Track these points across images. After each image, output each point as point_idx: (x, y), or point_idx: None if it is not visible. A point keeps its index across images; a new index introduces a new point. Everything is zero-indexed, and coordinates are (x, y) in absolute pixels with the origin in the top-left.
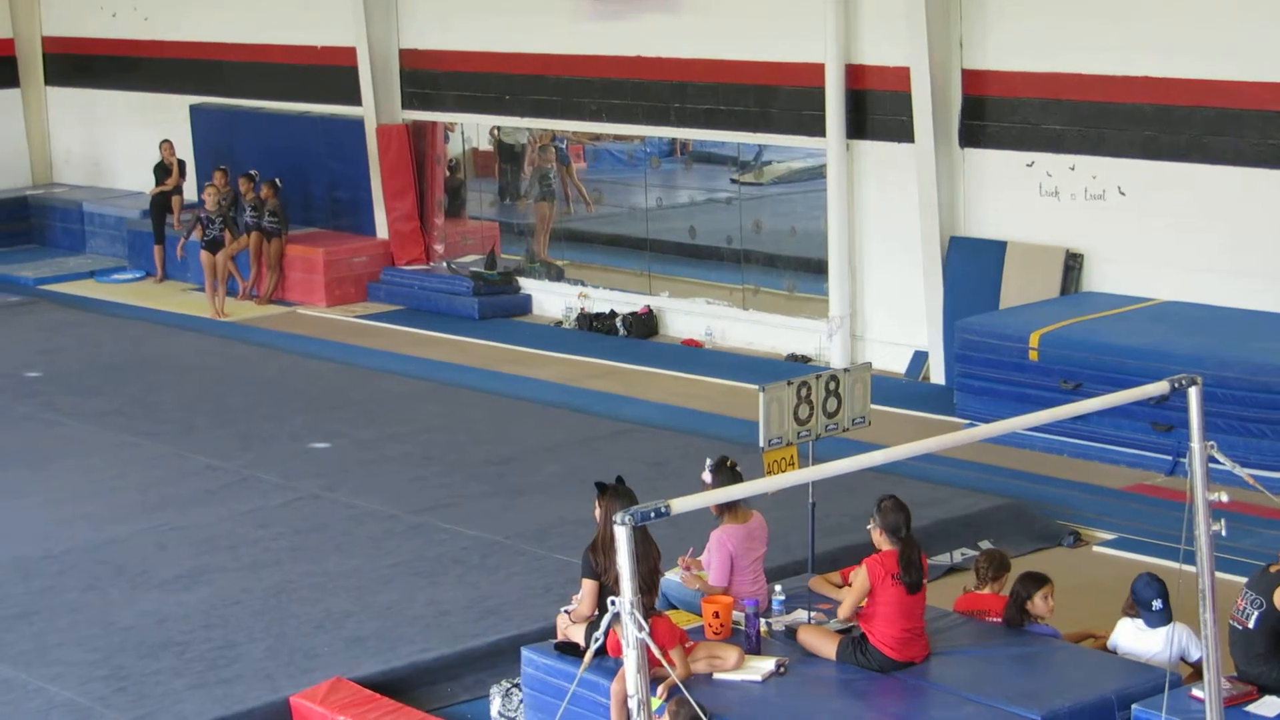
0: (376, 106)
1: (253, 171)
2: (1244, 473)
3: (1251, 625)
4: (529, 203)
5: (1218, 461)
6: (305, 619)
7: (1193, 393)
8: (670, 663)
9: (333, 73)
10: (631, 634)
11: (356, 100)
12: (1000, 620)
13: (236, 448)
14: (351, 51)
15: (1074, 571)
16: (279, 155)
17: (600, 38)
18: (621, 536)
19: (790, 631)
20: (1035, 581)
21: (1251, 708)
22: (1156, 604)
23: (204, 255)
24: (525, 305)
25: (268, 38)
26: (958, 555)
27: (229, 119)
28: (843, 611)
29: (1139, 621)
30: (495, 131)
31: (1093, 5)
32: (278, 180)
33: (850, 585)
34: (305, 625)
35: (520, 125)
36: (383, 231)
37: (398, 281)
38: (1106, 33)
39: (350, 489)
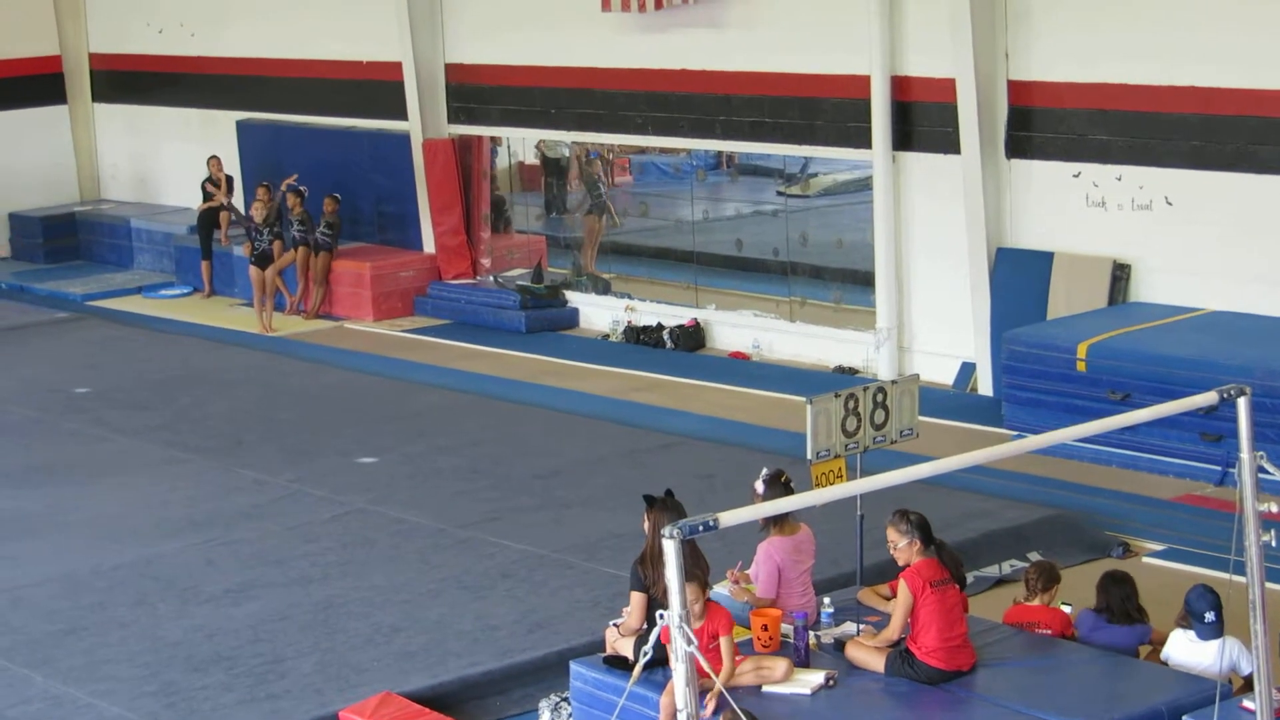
0: (423, 121)
1: (302, 187)
2: None
3: None
4: (578, 215)
5: (1267, 472)
6: (353, 633)
7: (1241, 403)
8: (717, 658)
9: (379, 87)
10: (680, 647)
11: (403, 115)
12: (1052, 632)
13: (284, 463)
14: (397, 66)
15: None
16: (325, 170)
17: (645, 50)
18: (670, 550)
19: (839, 644)
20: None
21: None
22: (1209, 616)
23: (253, 270)
24: (572, 319)
25: (313, 53)
26: (1006, 567)
27: (275, 134)
28: (892, 632)
29: (1191, 634)
30: (541, 145)
31: (1137, 15)
32: (337, 195)
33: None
34: (354, 640)
35: (566, 139)
36: (429, 246)
37: (444, 296)
38: (1151, 42)
39: (398, 503)
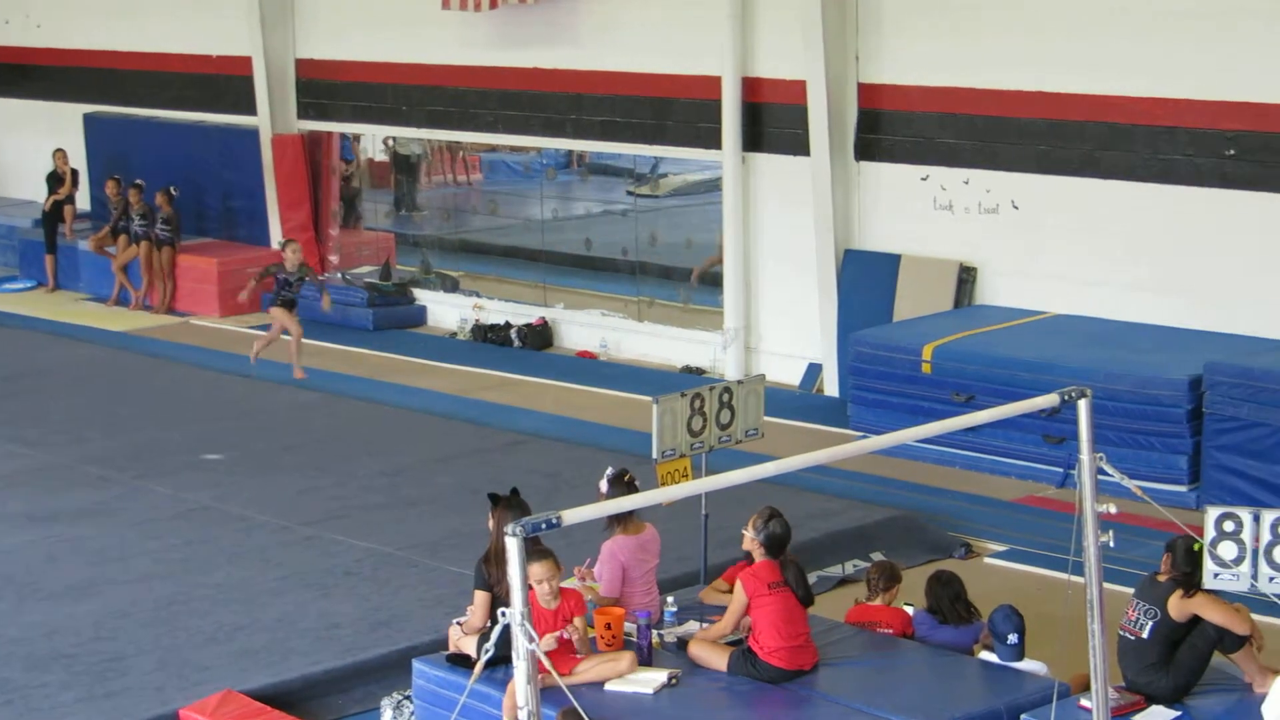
0: (272, 116)
1: (139, 181)
2: (1132, 484)
3: (1146, 635)
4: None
5: (1106, 474)
6: (196, 631)
7: (1082, 405)
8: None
9: (228, 82)
10: (521, 646)
11: (252, 110)
12: (893, 632)
13: (128, 459)
14: (247, 61)
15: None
16: (173, 164)
17: (497, 48)
18: (512, 548)
19: (682, 643)
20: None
21: (1139, 717)
22: (1012, 638)
23: (276, 311)
24: (420, 316)
25: (163, 46)
26: (849, 567)
27: (123, 128)
28: (723, 629)
29: (994, 655)
30: (390, 142)
31: (987, 21)
32: (172, 189)
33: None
34: (196, 637)
35: (416, 136)
36: (277, 242)
37: None
38: (1000, 48)
39: (242, 500)
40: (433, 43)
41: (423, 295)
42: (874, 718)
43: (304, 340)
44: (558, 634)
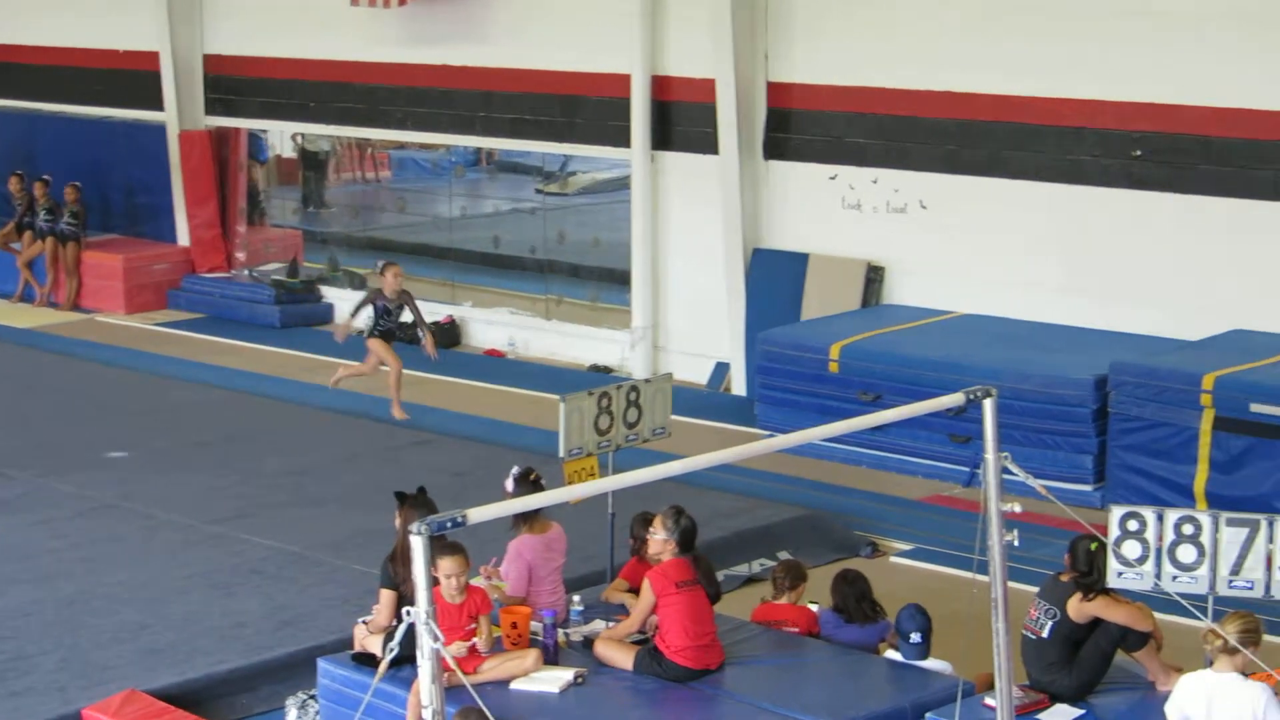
0: (179, 112)
1: (46, 175)
2: (1037, 484)
3: (1045, 635)
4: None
5: (1011, 473)
6: (99, 630)
7: (987, 405)
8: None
9: (135, 77)
10: (426, 645)
11: (159, 106)
12: (799, 631)
13: (31, 456)
14: (155, 56)
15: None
16: (79, 160)
17: (406, 46)
18: (417, 546)
19: (588, 642)
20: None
21: (1042, 716)
22: (915, 637)
23: (374, 343)
24: (327, 314)
25: (69, 41)
26: (756, 566)
27: (28, 123)
28: (629, 626)
29: (899, 653)
30: (298, 139)
31: (896, 21)
32: (78, 183)
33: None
34: (99, 637)
35: (325, 133)
36: (184, 239)
37: (198, 289)
38: (910, 48)
39: (147, 499)
40: (342, 39)
41: (330, 293)
42: (780, 716)
43: (208, 338)
44: (468, 644)
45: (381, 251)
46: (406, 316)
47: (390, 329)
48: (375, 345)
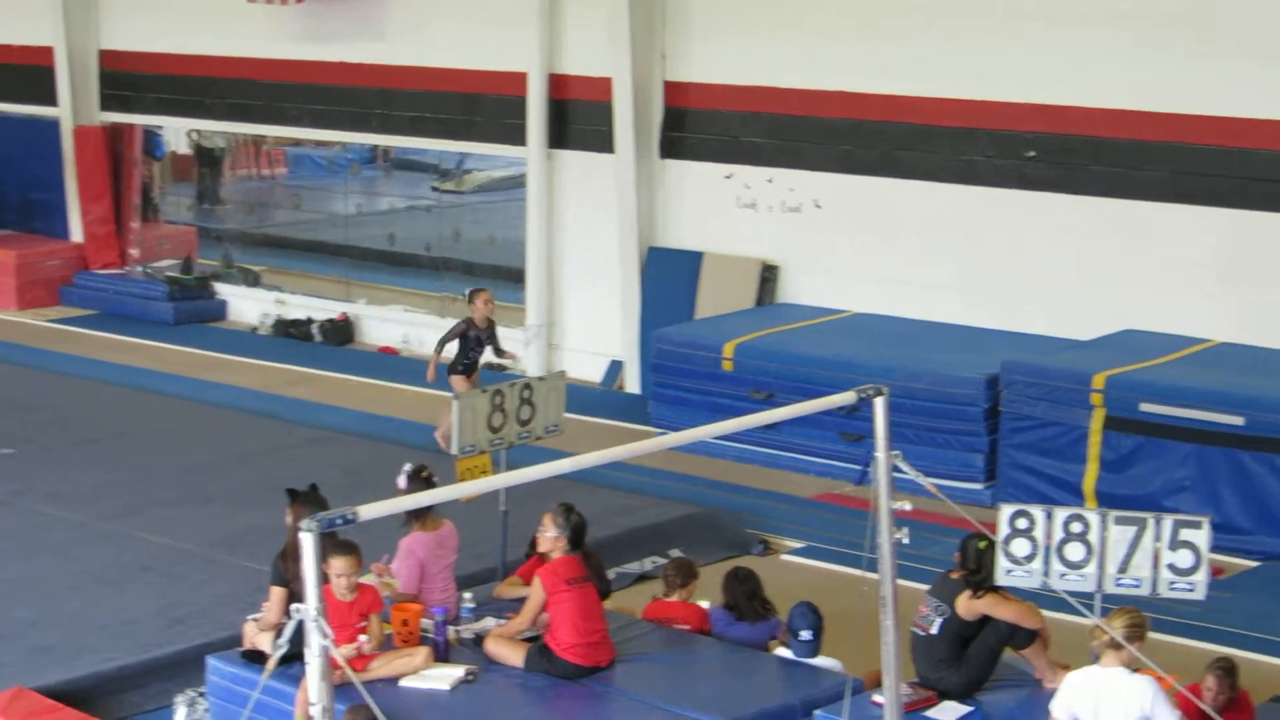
0: (74, 107)
1: None
2: (927, 482)
3: (934, 631)
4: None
5: (902, 471)
6: None
7: (878, 403)
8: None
9: (30, 72)
10: (315, 642)
11: (53, 101)
12: (690, 628)
13: None
14: (49, 51)
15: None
16: None
17: (303, 42)
18: (307, 543)
19: (479, 639)
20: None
21: (931, 713)
22: (805, 635)
23: (457, 380)
24: (221, 311)
25: None
26: (648, 563)
27: None
28: (520, 624)
29: (789, 651)
30: (194, 135)
31: (792, 22)
32: None
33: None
34: None
35: (220, 130)
36: (77, 235)
37: (91, 285)
38: (805, 48)
39: (37, 495)
40: (239, 35)
41: (224, 289)
42: (670, 714)
43: (101, 334)
44: (356, 645)
45: (277, 249)
46: None
47: (475, 361)
48: (459, 384)
